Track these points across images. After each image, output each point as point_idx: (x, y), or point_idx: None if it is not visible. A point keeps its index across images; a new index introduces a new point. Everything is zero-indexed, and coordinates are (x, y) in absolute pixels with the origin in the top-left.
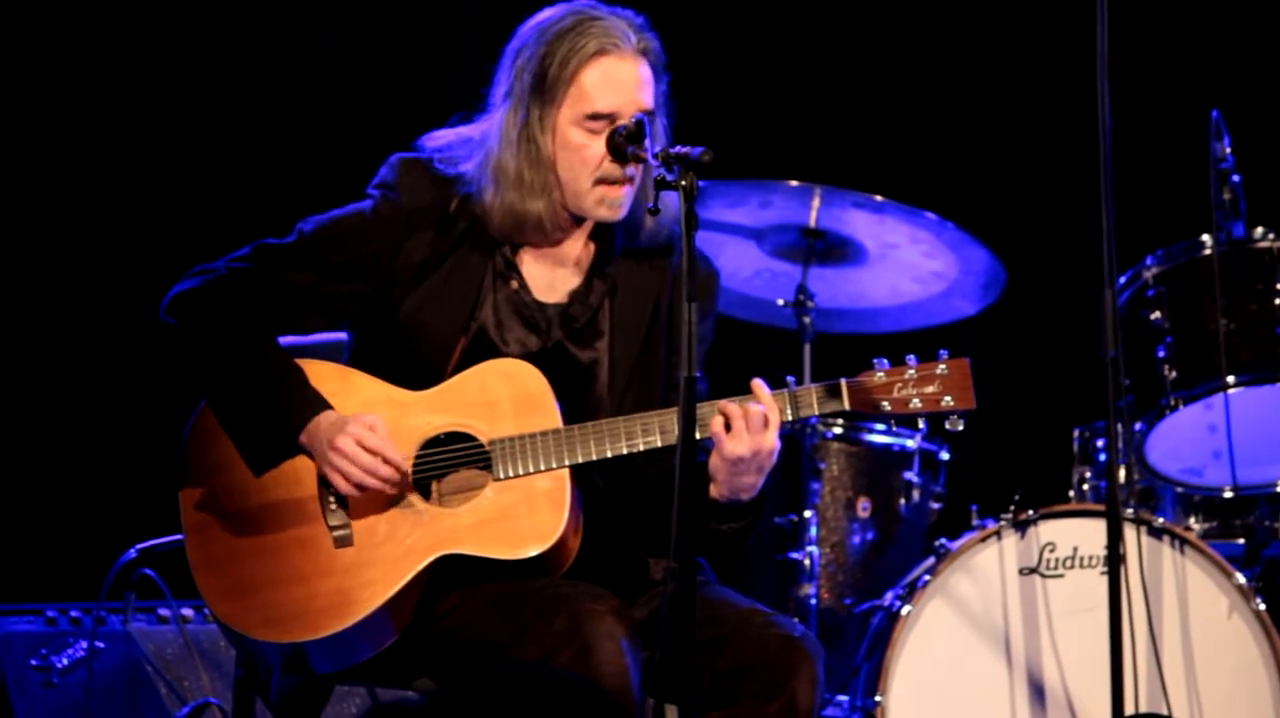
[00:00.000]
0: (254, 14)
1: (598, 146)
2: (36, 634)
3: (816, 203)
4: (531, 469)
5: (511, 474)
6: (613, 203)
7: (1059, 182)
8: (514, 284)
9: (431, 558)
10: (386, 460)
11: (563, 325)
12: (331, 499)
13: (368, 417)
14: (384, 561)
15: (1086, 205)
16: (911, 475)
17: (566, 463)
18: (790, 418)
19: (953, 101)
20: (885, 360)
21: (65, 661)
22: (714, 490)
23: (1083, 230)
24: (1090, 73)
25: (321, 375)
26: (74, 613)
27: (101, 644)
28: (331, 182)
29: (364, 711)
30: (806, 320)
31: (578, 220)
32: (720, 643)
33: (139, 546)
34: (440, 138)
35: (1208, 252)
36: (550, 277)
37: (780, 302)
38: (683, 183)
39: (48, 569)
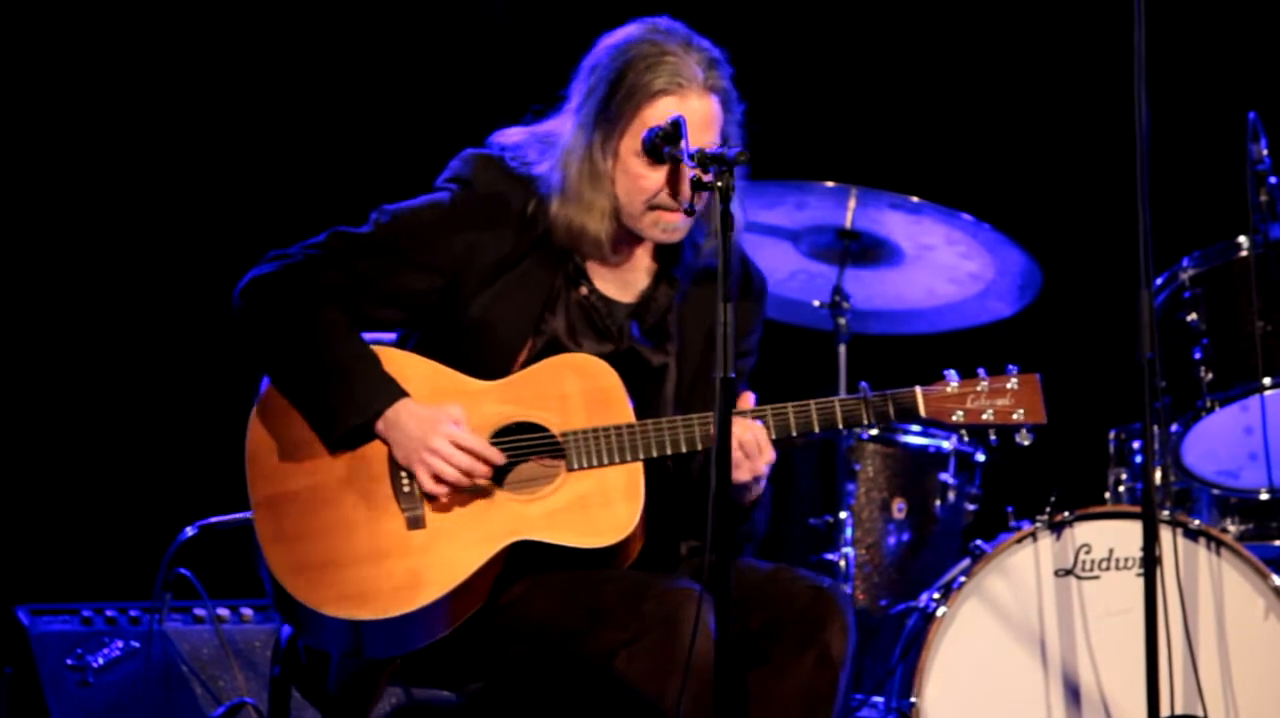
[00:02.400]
0: (294, 18)
1: (656, 178)
2: (72, 634)
3: (852, 204)
4: (605, 462)
5: (585, 466)
6: (668, 226)
7: (1096, 183)
8: (584, 290)
9: (506, 543)
10: (481, 458)
11: (633, 326)
12: (404, 481)
13: (452, 409)
14: (458, 544)
15: (1123, 206)
16: (947, 477)
17: (641, 457)
18: (866, 422)
19: (989, 102)
20: (955, 372)
21: (100, 660)
22: None
23: (1119, 232)
24: (1127, 74)
25: (391, 361)
26: (109, 613)
27: (136, 644)
28: (372, 184)
29: (397, 707)
30: (842, 322)
31: (639, 238)
32: (748, 601)
33: (200, 523)
34: (511, 136)
35: (1244, 253)
36: (620, 281)
37: (816, 303)
38: (718, 183)
39: (82, 569)
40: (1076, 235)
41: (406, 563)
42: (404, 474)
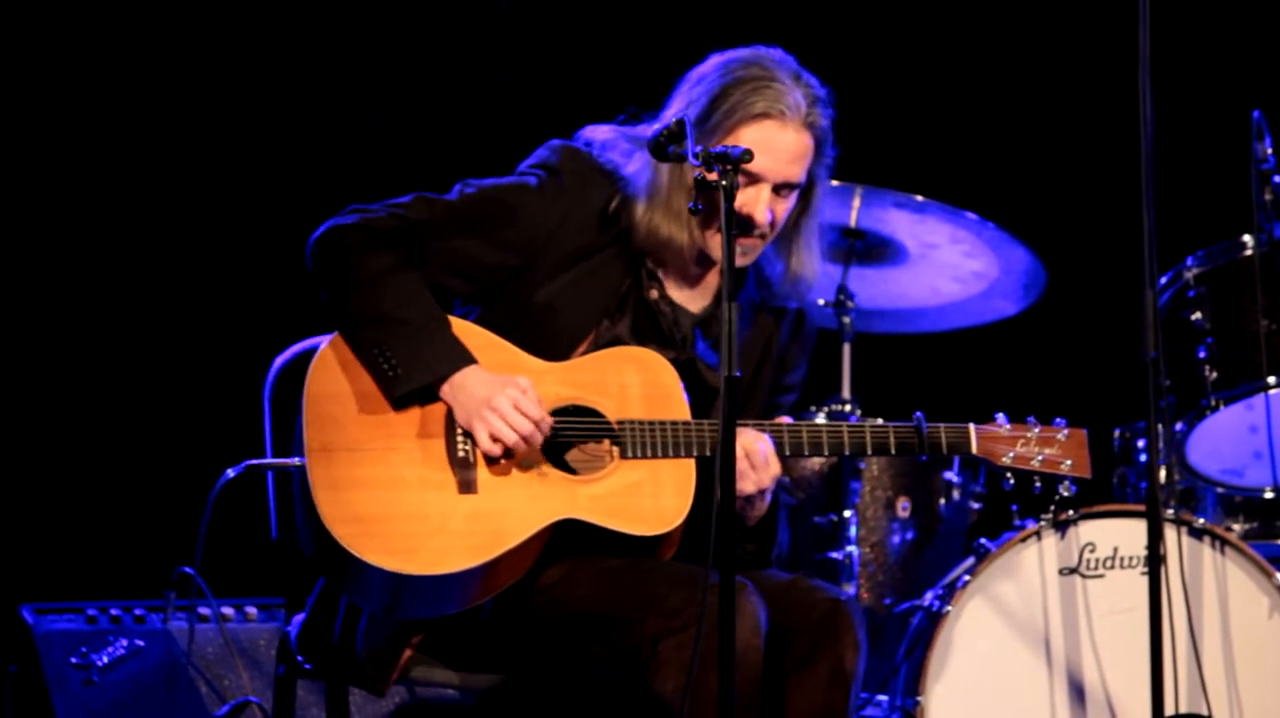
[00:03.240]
0: (299, 19)
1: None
2: (76, 632)
3: (857, 203)
4: (660, 455)
5: (639, 456)
6: (739, 248)
7: (1100, 182)
8: (654, 293)
9: (555, 519)
10: (538, 425)
11: (697, 334)
12: (460, 444)
13: (521, 378)
14: (507, 513)
15: (1127, 205)
16: (952, 475)
17: (695, 454)
18: (919, 451)
19: (994, 101)
20: (1005, 416)
21: (105, 659)
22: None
23: (1123, 231)
24: (1132, 72)
25: (458, 330)
26: (114, 611)
27: (141, 642)
28: (379, 182)
29: (400, 707)
30: (846, 320)
31: (712, 262)
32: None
33: (246, 462)
34: (600, 132)
35: (1249, 252)
36: (689, 293)
37: (820, 302)
38: (723, 182)
39: (86, 567)
40: (1081, 234)
41: (454, 526)
42: (460, 438)
